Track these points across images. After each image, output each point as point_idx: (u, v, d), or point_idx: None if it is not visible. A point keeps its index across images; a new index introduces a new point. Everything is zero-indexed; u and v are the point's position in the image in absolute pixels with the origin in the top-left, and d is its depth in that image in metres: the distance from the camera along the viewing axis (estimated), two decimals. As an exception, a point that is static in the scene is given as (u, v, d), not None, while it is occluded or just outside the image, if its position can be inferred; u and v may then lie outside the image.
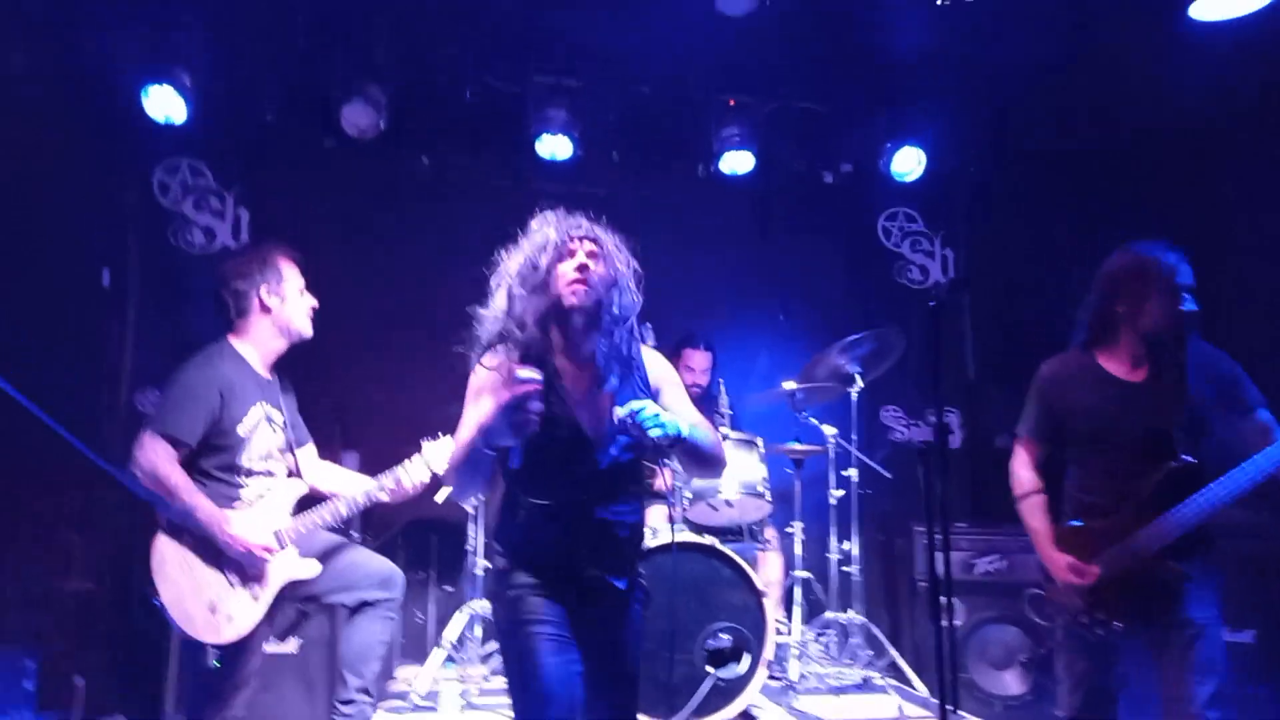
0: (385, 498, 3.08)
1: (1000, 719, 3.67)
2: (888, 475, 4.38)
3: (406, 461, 3.14)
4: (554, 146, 4.91)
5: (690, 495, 3.64)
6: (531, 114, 4.81)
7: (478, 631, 3.91)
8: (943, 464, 2.17)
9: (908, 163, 5.21)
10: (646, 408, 2.10)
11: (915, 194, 5.63)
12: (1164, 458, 2.63)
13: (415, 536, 4.79)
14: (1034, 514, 2.82)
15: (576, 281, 2.25)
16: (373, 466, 4.52)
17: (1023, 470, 2.87)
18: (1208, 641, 2.57)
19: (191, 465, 2.81)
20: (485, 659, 3.90)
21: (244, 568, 2.78)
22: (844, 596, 4.13)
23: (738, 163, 5.13)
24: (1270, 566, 3.99)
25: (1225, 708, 2.57)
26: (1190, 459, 2.61)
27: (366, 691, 3.05)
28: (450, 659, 3.75)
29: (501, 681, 3.71)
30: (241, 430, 2.86)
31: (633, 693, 2.44)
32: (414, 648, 4.67)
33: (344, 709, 3.06)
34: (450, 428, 4.33)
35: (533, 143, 4.88)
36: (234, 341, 2.98)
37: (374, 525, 4.50)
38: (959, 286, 2.36)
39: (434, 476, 3.13)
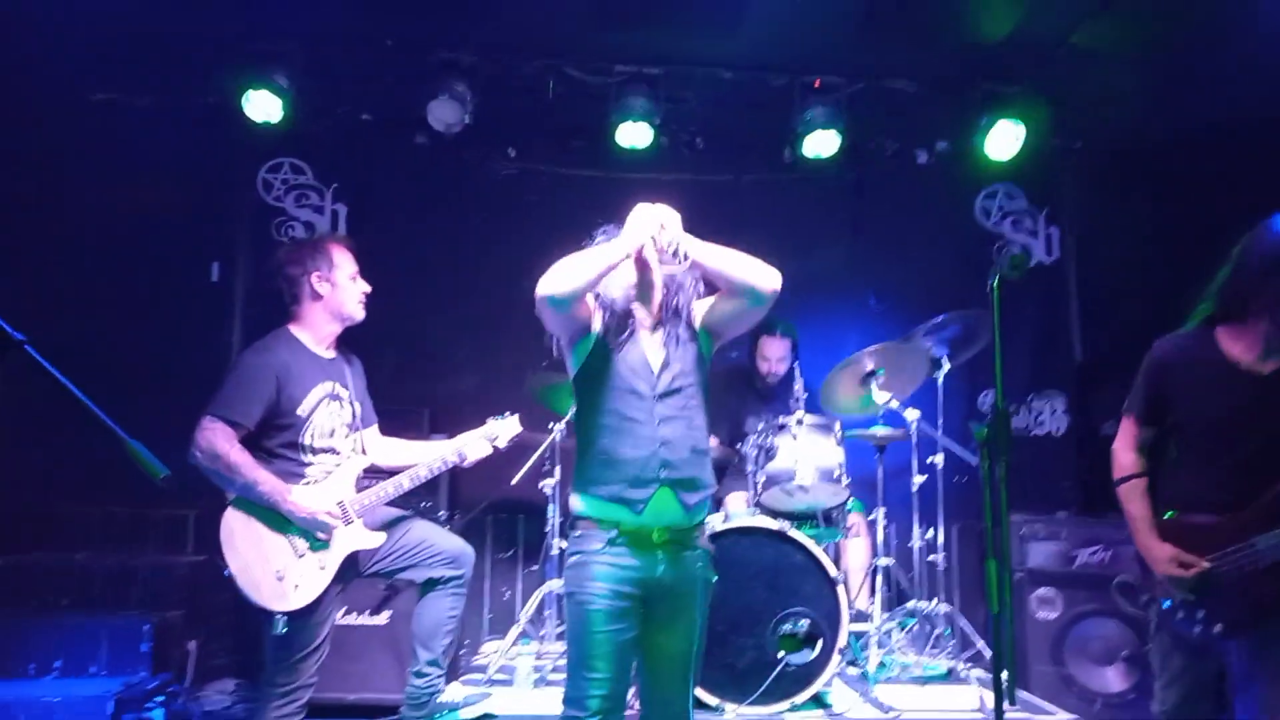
0: (446, 467, 3.19)
1: (1101, 717, 3.48)
2: (973, 461, 4.20)
3: (470, 433, 3.24)
4: (634, 135, 4.93)
5: (764, 479, 3.60)
6: (612, 103, 4.85)
7: (555, 611, 3.99)
8: (1002, 445, 2.07)
9: (1005, 138, 4.99)
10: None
11: (1016, 170, 5.38)
12: None
13: (502, 516, 4.93)
14: (1134, 499, 2.64)
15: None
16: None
17: (1125, 452, 2.68)
18: None
19: (256, 445, 2.92)
20: (561, 636, 3.97)
21: (310, 537, 2.88)
22: (930, 586, 4.00)
23: (822, 144, 5.02)
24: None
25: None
26: None
27: (436, 664, 3.14)
28: (526, 636, 3.84)
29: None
30: (302, 410, 2.94)
31: (688, 668, 2.46)
32: (500, 624, 4.80)
33: (415, 681, 3.15)
34: (535, 416, 4.46)
35: (613, 132, 4.92)
36: (292, 328, 3.08)
37: (461, 505, 4.64)
38: (1020, 260, 2.22)
39: (495, 450, 3.26)
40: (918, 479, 3.98)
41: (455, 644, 4.29)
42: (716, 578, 2.50)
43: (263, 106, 4.53)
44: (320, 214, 5.18)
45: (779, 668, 3.22)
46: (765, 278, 2.41)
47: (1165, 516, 2.57)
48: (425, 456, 3.18)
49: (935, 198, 5.47)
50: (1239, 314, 2.52)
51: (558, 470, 4.03)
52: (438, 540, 3.19)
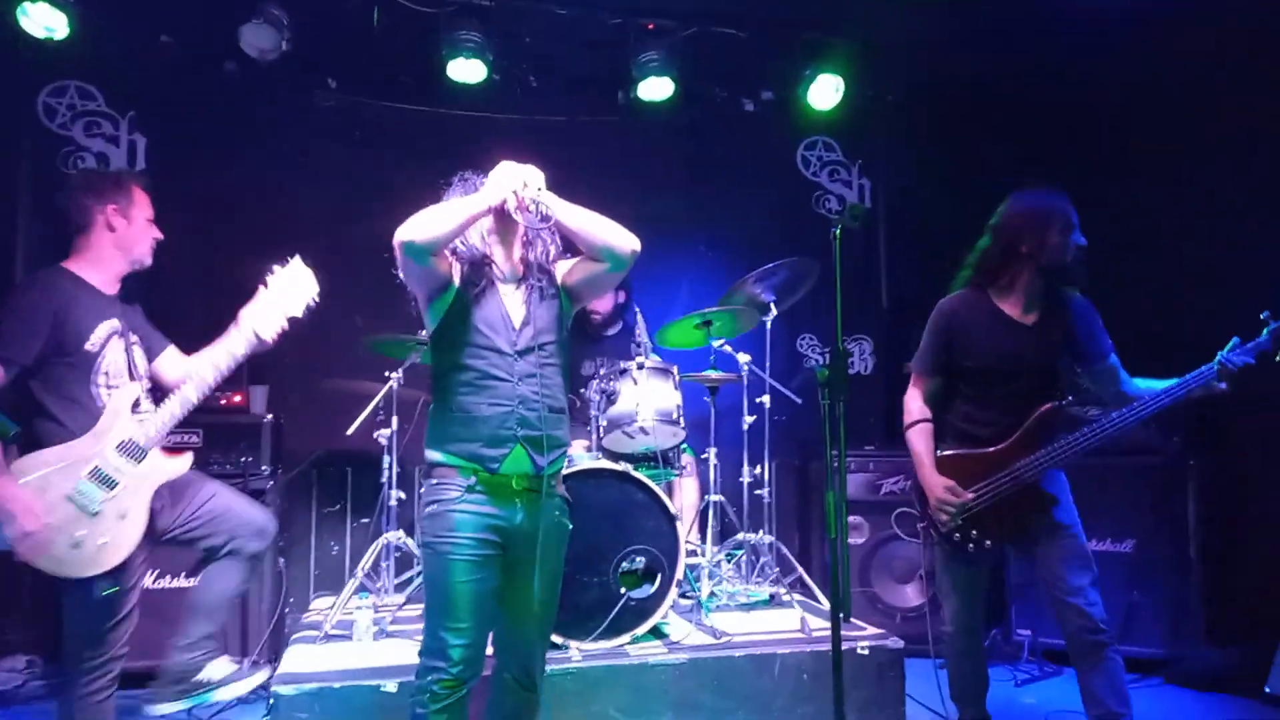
0: (238, 358, 2.94)
1: (899, 629, 3.86)
2: (799, 401, 4.48)
3: (252, 305, 2.99)
4: (466, 71, 4.79)
5: (605, 423, 3.68)
6: (443, 36, 4.66)
7: (393, 563, 3.93)
8: (841, 385, 2.25)
9: (826, 91, 5.23)
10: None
11: (833, 123, 5.66)
12: (1048, 396, 2.94)
13: (331, 468, 4.76)
14: (920, 439, 3.07)
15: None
16: (281, 400, 4.49)
17: (913, 401, 3.11)
18: (1077, 540, 2.92)
19: (49, 392, 2.68)
20: (400, 588, 3.93)
21: (93, 488, 2.64)
22: (756, 519, 4.25)
23: (657, 89, 5.08)
24: (1148, 481, 4.24)
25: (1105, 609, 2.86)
26: (1071, 398, 2.96)
27: (212, 639, 2.97)
28: (365, 589, 3.77)
29: (415, 609, 3.77)
30: (90, 347, 2.73)
31: (548, 612, 2.54)
32: (330, 579, 4.69)
33: (185, 655, 2.94)
34: (359, 363, 4.31)
35: (444, 67, 4.74)
36: (72, 264, 2.82)
37: (285, 459, 4.45)
38: (859, 210, 2.39)
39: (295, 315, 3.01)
40: (748, 419, 4.18)
41: (301, 603, 4.17)
42: (574, 528, 2.56)
43: (42, 19, 4.02)
44: (116, 145, 4.70)
45: (620, 603, 3.34)
46: (624, 241, 2.45)
47: (941, 453, 3.03)
48: (211, 356, 2.93)
49: (761, 146, 5.66)
50: (1000, 277, 2.98)
51: (394, 420, 3.93)
52: (243, 510, 3.02)
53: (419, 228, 2.29)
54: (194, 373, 2.88)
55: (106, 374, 2.78)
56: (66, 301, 2.71)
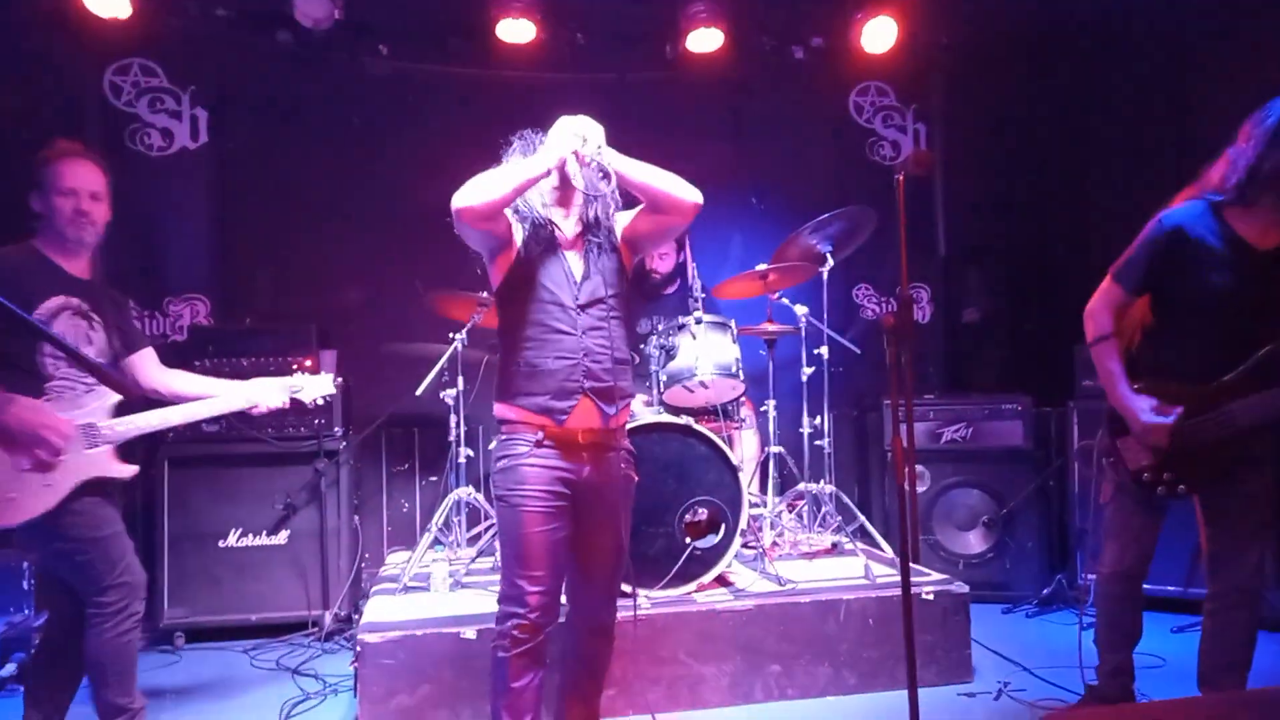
0: (229, 411, 2.92)
1: (963, 577, 3.88)
2: (858, 351, 4.48)
3: (268, 380, 3.01)
4: (516, 31, 4.80)
5: (665, 378, 3.72)
6: (492, -3, 4.67)
7: (463, 517, 4.06)
8: (909, 335, 2.22)
9: (879, 34, 5.13)
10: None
11: (887, 67, 5.55)
12: (1273, 333, 2.56)
13: (398, 429, 4.91)
14: (1111, 356, 2.73)
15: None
16: (349, 364, 4.63)
17: (1104, 312, 2.75)
18: (1265, 506, 2.63)
19: None
20: (472, 542, 4.06)
21: (39, 454, 2.48)
22: (816, 469, 4.29)
23: (705, 41, 5.04)
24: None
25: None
26: None
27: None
28: (438, 542, 3.91)
29: (487, 562, 3.90)
30: (37, 316, 2.63)
31: (618, 561, 2.60)
32: (401, 535, 4.87)
33: None
34: (422, 325, 4.41)
35: (493, 28, 4.76)
36: (37, 242, 2.75)
37: (356, 421, 4.60)
38: (924, 158, 2.33)
39: (298, 404, 3.05)
40: (807, 370, 4.19)
41: (376, 558, 4.30)
42: (640, 480, 2.63)
43: (108, 1, 4.13)
44: (179, 120, 4.82)
45: (686, 553, 3.42)
46: (687, 194, 2.47)
47: (1135, 387, 2.70)
48: (212, 391, 2.92)
49: (812, 95, 5.58)
50: (1251, 194, 2.56)
51: (460, 380, 4.03)
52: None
53: (476, 193, 2.33)
54: (193, 401, 2.88)
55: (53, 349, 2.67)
56: (14, 269, 2.64)
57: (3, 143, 4.32)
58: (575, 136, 2.39)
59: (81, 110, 4.69)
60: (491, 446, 2.61)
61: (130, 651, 2.72)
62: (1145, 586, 2.89)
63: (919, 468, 4.72)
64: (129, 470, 2.78)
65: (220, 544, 4.13)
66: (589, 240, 2.53)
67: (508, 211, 2.46)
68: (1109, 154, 5.11)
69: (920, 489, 4.71)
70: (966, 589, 3.54)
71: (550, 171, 2.41)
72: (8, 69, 4.27)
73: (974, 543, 4.64)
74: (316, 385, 3.08)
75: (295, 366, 4.36)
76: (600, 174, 2.40)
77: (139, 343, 2.98)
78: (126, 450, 2.80)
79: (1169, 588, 4.08)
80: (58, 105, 4.60)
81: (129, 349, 2.93)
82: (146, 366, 2.98)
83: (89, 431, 2.69)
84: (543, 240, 2.49)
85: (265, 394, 2.96)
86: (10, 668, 3.57)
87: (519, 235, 2.51)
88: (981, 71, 5.41)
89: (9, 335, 2.60)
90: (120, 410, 2.76)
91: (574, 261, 2.51)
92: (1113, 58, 4.97)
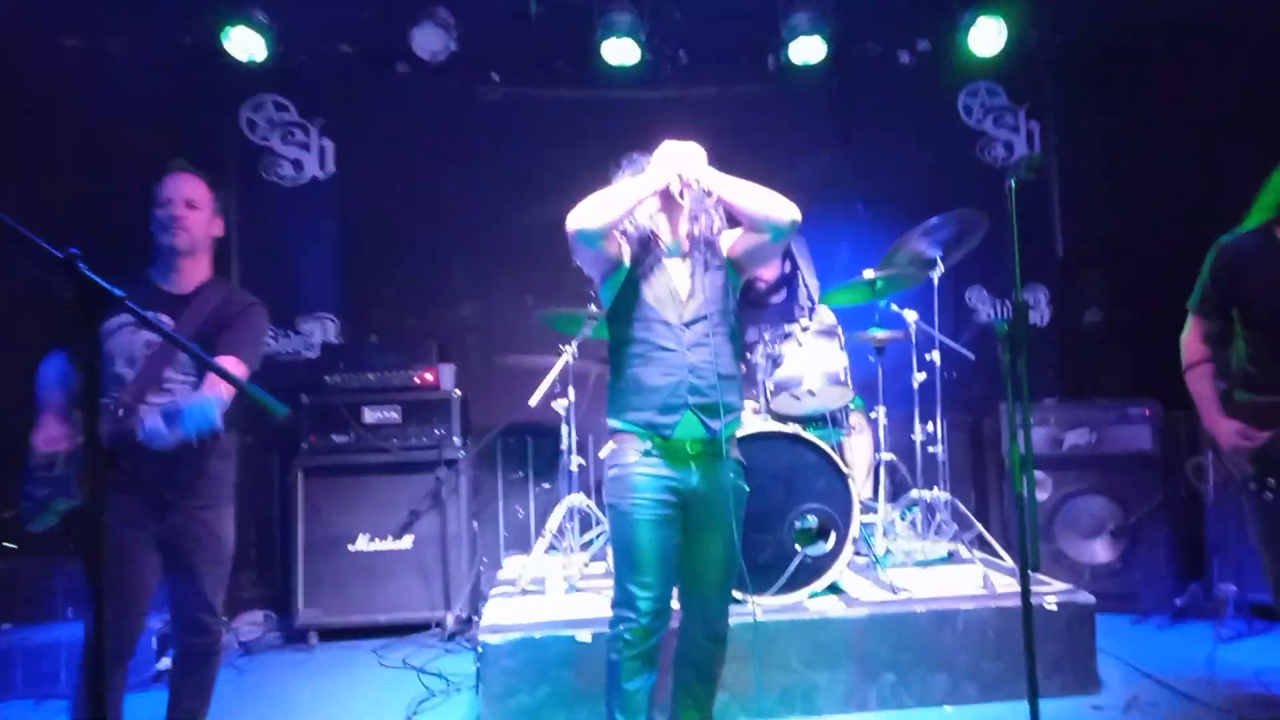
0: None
1: (1089, 587, 3.74)
2: (971, 356, 4.38)
3: None
4: (620, 52, 4.92)
5: (773, 386, 3.74)
6: (596, 19, 4.81)
7: (575, 523, 4.17)
8: (1022, 340, 2.18)
9: (987, 34, 5.03)
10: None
11: (997, 68, 5.43)
12: None
13: (513, 439, 5.08)
14: (1202, 381, 2.85)
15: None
16: (466, 377, 4.82)
17: (1192, 342, 2.90)
18: None
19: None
20: (584, 547, 4.16)
21: None
22: (929, 476, 4.21)
23: (808, 51, 5.04)
24: None
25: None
26: None
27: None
28: (553, 547, 4.03)
29: (600, 567, 3.99)
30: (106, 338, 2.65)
31: (730, 568, 2.64)
32: (517, 540, 5.03)
33: None
34: (533, 339, 4.56)
35: (598, 50, 4.90)
36: (151, 269, 2.78)
37: (473, 431, 4.78)
38: (1036, 161, 2.30)
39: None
40: (919, 376, 4.13)
41: (494, 561, 4.39)
42: (749, 489, 2.67)
43: (244, 43, 4.49)
44: (308, 150, 5.15)
45: (797, 560, 3.42)
46: (784, 212, 2.51)
47: (1236, 399, 2.77)
48: None
49: (919, 99, 5.50)
50: None
51: (571, 391, 4.15)
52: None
53: (589, 214, 2.43)
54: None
55: (108, 361, 2.65)
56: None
57: (153, 178, 4.73)
58: (679, 158, 2.47)
59: (219, 145, 5.06)
60: (603, 455, 2.69)
61: None
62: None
63: (1040, 475, 4.57)
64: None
65: (350, 548, 4.37)
66: (694, 258, 2.60)
67: (617, 232, 2.55)
68: (1229, 150, 4.84)
69: (1041, 497, 4.56)
70: (1092, 599, 3.42)
71: (655, 192, 2.50)
72: (152, 109, 4.65)
73: (1100, 552, 4.47)
74: None
75: (416, 379, 4.58)
76: (703, 193, 2.47)
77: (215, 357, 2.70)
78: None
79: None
80: (198, 141, 4.96)
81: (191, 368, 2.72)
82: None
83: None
84: (649, 259, 2.58)
85: None
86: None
87: (628, 255, 2.60)
88: (1095, 67, 5.24)
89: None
90: None
91: (679, 279, 2.59)
92: (1230, 50, 4.72)
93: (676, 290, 2.56)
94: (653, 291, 2.55)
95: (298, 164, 5.15)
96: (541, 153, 5.16)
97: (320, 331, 5.12)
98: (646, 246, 2.59)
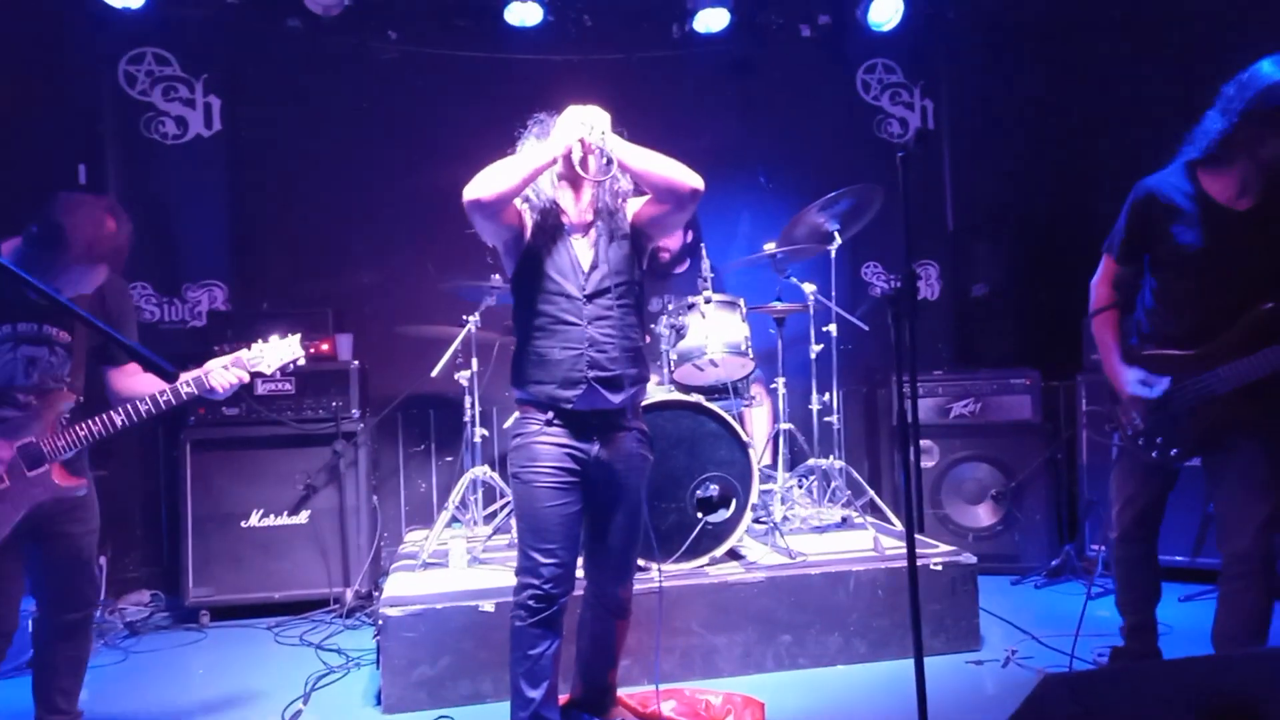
0: (180, 399, 2.65)
1: (972, 549, 3.93)
2: (865, 328, 4.52)
3: (221, 360, 2.77)
4: (523, 13, 4.84)
5: (675, 357, 3.78)
6: (498, -21, 4.71)
7: (479, 496, 4.14)
8: (911, 310, 2.24)
9: (885, 10, 5.14)
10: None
11: (894, 44, 5.57)
12: (1262, 294, 2.58)
13: (414, 411, 4.99)
14: (1106, 328, 2.84)
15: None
16: (364, 347, 4.70)
17: (1102, 285, 2.87)
18: (1264, 464, 2.63)
19: None
20: (488, 520, 4.14)
21: None
22: (825, 445, 4.34)
23: (712, 20, 5.06)
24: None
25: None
26: None
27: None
28: (456, 520, 3.99)
29: (503, 539, 3.98)
30: None
31: (632, 539, 2.68)
32: (419, 515, 4.97)
33: None
34: (434, 308, 4.49)
35: (501, 11, 4.79)
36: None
37: (372, 403, 4.68)
38: (925, 138, 2.36)
39: (264, 376, 2.87)
40: (815, 348, 4.24)
41: (394, 537, 4.34)
42: (652, 457, 2.69)
43: (118, -11, 4.19)
44: (192, 108, 4.88)
45: (699, 528, 3.49)
46: (687, 180, 2.51)
47: (1135, 345, 2.79)
48: (156, 387, 2.66)
49: (819, 72, 5.59)
50: (1221, 157, 2.61)
51: (474, 362, 4.10)
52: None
53: (485, 184, 2.38)
54: (134, 406, 2.61)
55: None
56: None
57: (21, 134, 4.42)
58: (582, 124, 2.44)
59: (98, 100, 4.76)
60: (507, 425, 2.68)
61: None
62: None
63: (927, 442, 4.77)
64: (79, 484, 2.61)
65: (243, 524, 4.23)
66: (598, 229, 2.57)
67: (518, 201, 2.51)
68: (1116, 126, 5.10)
69: (929, 464, 4.76)
70: (974, 560, 3.60)
71: (557, 159, 2.47)
72: (24, 61, 4.34)
73: (983, 516, 4.70)
74: (276, 353, 2.84)
75: (312, 350, 4.44)
76: (606, 161, 2.45)
77: (113, 357, 2.74)
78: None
79: (1177, 557, 4.12)
80: (74, 96, 4.66)
81: (110, 361, 2.74)
82: (119, 379, 2.76)
83: (29, 452, 2.52)
84: (551, 229, 2.54)
85: (215, 377, 2.69)
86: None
87: (529, 225, 2.56)
88: (988, 46, 5.41)
89: None
90: (66, 421, 2.59)
91: (582, 251, 2.56)
92: (1119, 28, 4.95)
93: (579, 262, 2.54)
94: (554, 263, 2.51)
95: (181, 121, 4.88)
96: (441, 115, 5.04)
97: (207, 299, 4.90)
98: (549, 215, 2.55)
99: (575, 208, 2.60)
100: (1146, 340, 2.81)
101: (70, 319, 2.59)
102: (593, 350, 2.49)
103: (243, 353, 2.79)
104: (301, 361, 2.94)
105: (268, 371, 2.83)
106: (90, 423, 2.58)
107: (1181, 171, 2.71)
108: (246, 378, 2.77)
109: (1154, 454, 2.76)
